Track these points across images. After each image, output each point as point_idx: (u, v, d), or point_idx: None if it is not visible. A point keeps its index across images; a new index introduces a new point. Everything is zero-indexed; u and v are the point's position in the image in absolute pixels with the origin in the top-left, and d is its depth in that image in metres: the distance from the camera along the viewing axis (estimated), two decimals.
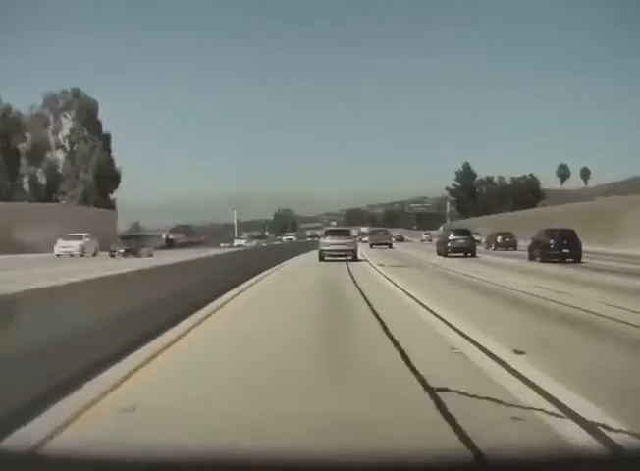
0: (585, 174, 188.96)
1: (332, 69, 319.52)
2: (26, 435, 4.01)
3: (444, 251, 34.33)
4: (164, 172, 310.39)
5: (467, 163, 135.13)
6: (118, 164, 72.29)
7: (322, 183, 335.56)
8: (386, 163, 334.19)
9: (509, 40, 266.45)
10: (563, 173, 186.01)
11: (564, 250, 27.33)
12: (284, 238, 68.17)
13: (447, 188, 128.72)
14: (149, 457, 2.59)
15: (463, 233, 36.61)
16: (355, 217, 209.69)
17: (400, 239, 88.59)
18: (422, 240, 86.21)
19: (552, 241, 27.66)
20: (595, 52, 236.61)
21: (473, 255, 34.15)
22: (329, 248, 29.96)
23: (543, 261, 26.99)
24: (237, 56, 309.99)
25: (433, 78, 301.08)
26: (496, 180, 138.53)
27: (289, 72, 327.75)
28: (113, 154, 71.95)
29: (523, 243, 50.82)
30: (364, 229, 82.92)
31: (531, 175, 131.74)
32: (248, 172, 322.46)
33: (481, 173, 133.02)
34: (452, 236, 35.48)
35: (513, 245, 43.89)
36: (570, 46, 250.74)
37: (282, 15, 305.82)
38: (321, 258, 29.15)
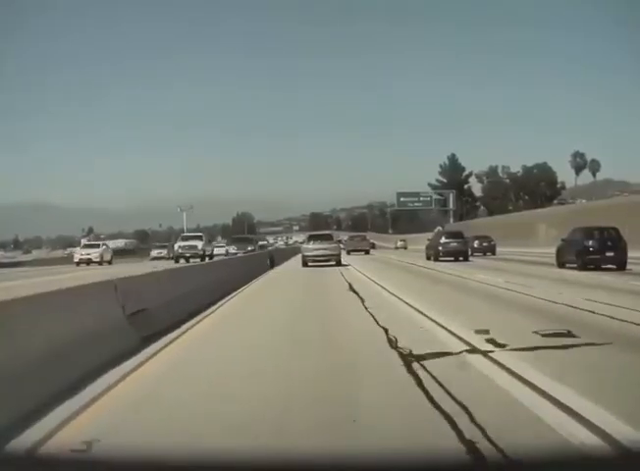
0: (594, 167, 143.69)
1: (290, 67, 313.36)
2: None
3: (434, 255, 34.34)
4: (119, 177, 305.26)
5: (454, 155, 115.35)
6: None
7: (283, 188, 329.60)
8: (352, 165, 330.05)
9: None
10: (579, 163, 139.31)
11: (608, 254, 23.28)
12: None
13: (429, 185, 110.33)
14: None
15: (456, 235, 36.12)
16: (319, 221, 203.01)
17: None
18: (396, 247, 77.25)
19: (591, 243, 23.55)
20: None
21: (466, 259, 34.03)
22: (312, 254, 30.83)
23: (580, 268, 23.02)
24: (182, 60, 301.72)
25: (392, 72, 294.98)
26: (500, 170, 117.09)
27: (244, 72, 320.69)
28: None
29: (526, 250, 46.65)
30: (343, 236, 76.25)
31: (545, 163, 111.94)
32: (207, 176, 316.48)
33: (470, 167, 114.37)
34: (443, 239, 34.97)
35: (492, 250, 44.62)
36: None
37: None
38: (304, 264, 30.41)
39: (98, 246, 48.96)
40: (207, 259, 38.43)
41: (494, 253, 43.89)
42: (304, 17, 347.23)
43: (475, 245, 42.33)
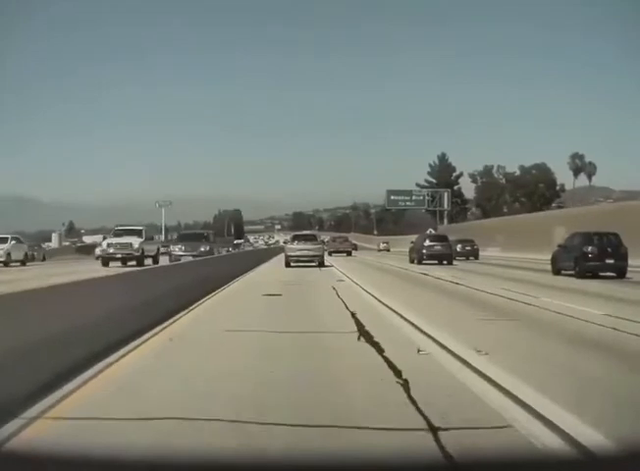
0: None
1: (273, 68, 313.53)
2: None
3: (418, 258, 34.21)
4: (103, 173, 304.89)
5: (444, 154, 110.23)
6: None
7: (267, 187, 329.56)
8: (337, 166, 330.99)
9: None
10: (578, 165, 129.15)
11: (608, 261, 21.84)
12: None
13: (417, 185, 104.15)
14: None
15: (440, 238, 36.38)
16: (301, 221, 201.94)
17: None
18: (379, 250, 76.67)
19: (590, 249, 21.91)
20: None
21: (450, 263, 33.56)
22: (296, 254, 30.77)
23: (578, 276, 21.63)
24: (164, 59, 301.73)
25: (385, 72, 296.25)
26: (495, 170, 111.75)
27: (226, 71, 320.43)
28: None
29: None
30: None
31: (543, 163, 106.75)
32: (190, 175, 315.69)
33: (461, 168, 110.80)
34: (427, 242, 34.82)
35: (474, 255, 43.58)
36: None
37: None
38: (287, 264, 30.20)
39: (6, 241, 36.95)
40: (152, 262, 30.85)
41: (477, 258, 43.09)
42: (294, 18, 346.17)
43: (458, 249, 41.15)
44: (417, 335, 8.90)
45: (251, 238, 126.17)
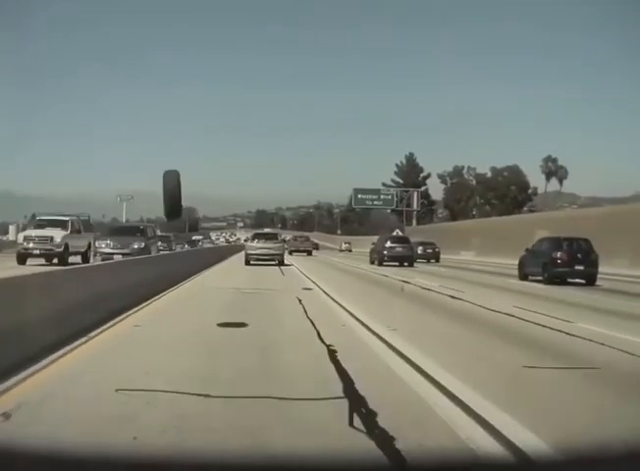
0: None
1: (241, 63, 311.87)
2: None
3: (379, 259, 33.84)
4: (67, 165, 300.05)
5: (412, 154, 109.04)
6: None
7: (229, 185, 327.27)
8: (302, 164, 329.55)
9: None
10: (550, 168, 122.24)
11: (577, 267, 21.29)
12: None
13: (384, 185, 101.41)
14: None
15: (402, 240, 36.40)
16: (264, 219, 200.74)
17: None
18: (341, 250, 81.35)
19: (559, 254, 21.35)
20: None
21: (410, 265, 33.33)
22: (256, 252, 30.69)
23: (546, 282, 21.15)
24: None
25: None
26: (466, 171, 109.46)
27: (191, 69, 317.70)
28: None
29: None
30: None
31: (516, 165, 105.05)
32: (155, 169, 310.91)
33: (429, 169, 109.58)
34: (388, 244, 34.60)
35: (436, 257, 43.43)
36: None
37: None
38: (247, 262, 30.27)
39: None
40: (81, 260, 26.90)
41: (438, 260, 42.94)
42: (294, 18, 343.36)
43: (419, 251, 40.60)
44: (457, 412, 4.95)
45: (213, 236, 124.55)
